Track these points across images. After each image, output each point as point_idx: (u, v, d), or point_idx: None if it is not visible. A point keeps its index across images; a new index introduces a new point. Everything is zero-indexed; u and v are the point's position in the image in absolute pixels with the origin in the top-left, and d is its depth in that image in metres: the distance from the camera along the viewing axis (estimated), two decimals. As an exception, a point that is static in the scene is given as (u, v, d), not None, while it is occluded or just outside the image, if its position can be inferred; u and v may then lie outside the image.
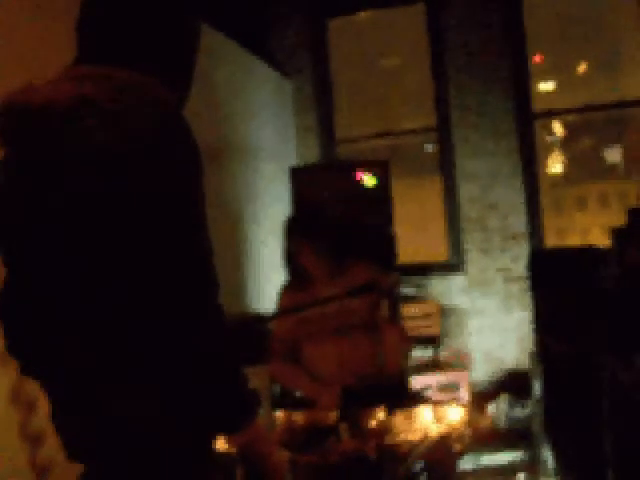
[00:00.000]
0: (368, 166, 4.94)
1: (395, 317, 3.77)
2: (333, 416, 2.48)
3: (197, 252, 1.36)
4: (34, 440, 1.40)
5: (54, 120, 1.34)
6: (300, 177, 4.95)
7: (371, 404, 2.48)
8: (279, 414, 2.61)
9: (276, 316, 3.19)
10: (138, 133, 1.32)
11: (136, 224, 1.32)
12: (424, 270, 5.95)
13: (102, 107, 1.32)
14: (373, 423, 2.42)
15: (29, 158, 1.37)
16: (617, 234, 3.67)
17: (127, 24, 1.48)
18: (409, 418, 2.45)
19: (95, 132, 1.31)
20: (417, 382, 5.12)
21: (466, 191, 5.96)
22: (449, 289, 5.93)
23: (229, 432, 1.49)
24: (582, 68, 6.63)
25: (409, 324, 5.26)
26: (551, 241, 6.25)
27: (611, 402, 3.26)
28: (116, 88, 1.35)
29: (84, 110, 1.32)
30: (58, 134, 1.33)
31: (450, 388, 5.31)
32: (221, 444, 1.52)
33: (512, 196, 5.88)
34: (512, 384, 5.51)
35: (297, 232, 3.11)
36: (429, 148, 6.65)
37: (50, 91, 1.37)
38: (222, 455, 1.52)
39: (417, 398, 2.95)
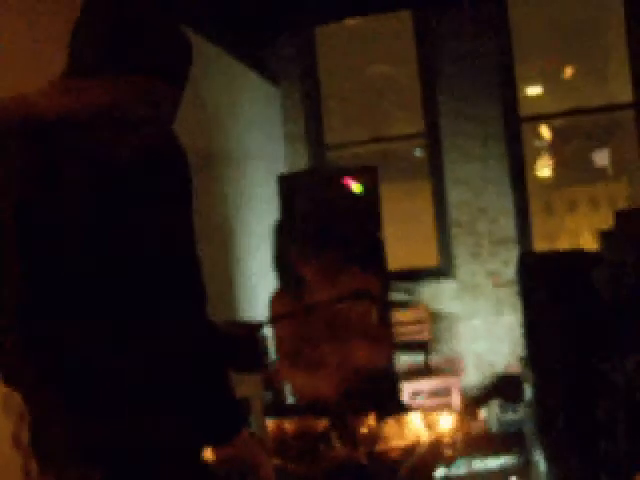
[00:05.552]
0: (357, 172, 4.94)
1: (385, 323, 3.77)
2: (324, 423, 2.48)
3: (184, 264, 1.37)
4: (27, 450, 1.40)
5: (48, 134, 1.35)
6: (288, 184, 4.95)
7: (362, 410, 2.48)
8: (270, 422, 2.60)
9: (268, 323, 3.19)
10: (135, 150, 1.33)
11: (129, 236, 1.33)
12: (414, 275, 5.95)
13: (100, 120, 1.34)
14: (364, 430, 2.42)
15: (28, 170, 1.38)
16: (605, 237, 3.68)
17: (122, 37, 1.49)
18: (400, 425, 2.45)
19: (94, 145, 1.33)
20: (408, 388, 5.13)
21: (455, 196, 5.97)
22: (439, 294, 5.94)
23: (216, 443, 1.49)
24: (569, 73, 6.66)
25: (400, 330, 5.27)
26: (541, 245, 6.27)
27: (607, 405, 3.27)
28: (115, 100, 1.36)
29: (78, 123, 1.34)
30: (53, 146, 1.35)
31: (442, 393, 5.31)
32: (211, 456, 1.52)
33: (501, 200, 5.90)
34: (504, 388, 5.52)
35: (289, 238, 3.12)
36: (418, 153, 6.67)
37: (46, 103, 1.38)
38: (212, 467, 1.52)
39: (405, 407, 2.95)
